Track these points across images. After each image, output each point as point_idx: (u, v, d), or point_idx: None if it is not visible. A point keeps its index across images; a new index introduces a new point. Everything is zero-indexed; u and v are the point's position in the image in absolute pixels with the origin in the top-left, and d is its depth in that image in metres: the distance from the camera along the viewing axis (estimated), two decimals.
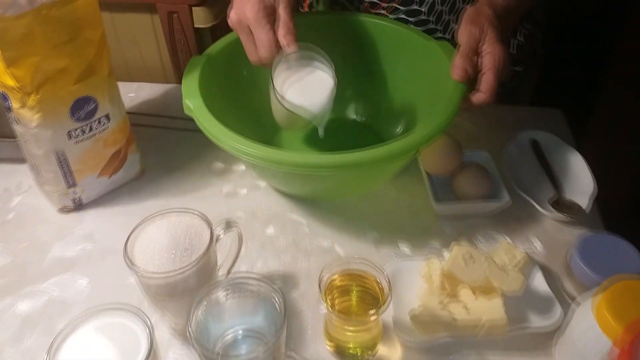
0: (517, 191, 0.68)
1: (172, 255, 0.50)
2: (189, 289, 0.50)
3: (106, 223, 0.69)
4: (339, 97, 0.65)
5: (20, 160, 0.70)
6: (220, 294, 0.48)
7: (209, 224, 0.52)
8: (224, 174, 0.76)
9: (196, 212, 0.53)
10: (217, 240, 0.54)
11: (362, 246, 0.66)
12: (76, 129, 0.62)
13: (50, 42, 0.55)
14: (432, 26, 0.79)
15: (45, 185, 0.67)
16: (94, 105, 0.62)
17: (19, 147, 0.65)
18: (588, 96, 1.25)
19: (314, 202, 0.71)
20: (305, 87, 0.63)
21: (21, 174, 0.74)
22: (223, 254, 0.58)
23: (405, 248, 0.65)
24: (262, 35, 0.59)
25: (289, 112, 0.63)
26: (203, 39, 0.90)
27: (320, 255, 0.65)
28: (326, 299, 0.50)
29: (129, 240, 0.50)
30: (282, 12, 0.60)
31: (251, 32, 0.60)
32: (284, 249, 0.65)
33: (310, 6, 0.96)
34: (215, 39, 0.76)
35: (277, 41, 0.60)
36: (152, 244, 0.50)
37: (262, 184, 0.74)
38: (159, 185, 0.74)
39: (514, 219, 0.68)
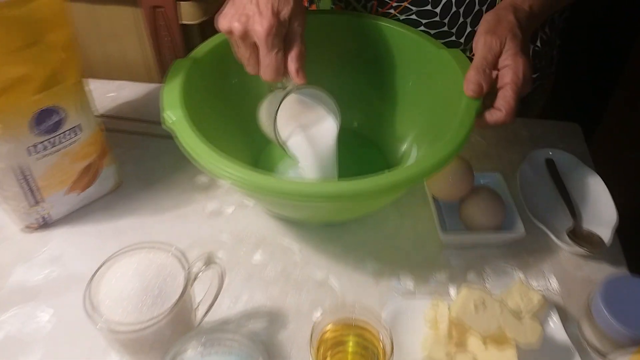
0: (532, 219, 0.62)
1: (142, 302, 0.43)
2: (161, 340, 0.44)
3: (76, 244, 0.62)
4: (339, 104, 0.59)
5: None
6: (195, 351, 0.42)
7: (184, 263, 0.46)
8: (209, 189, 0.69)
9: (171, 248, 0.47)
10: (195, 278, 0.47)
11: (360, 279, 0.59)
12: (39, 143, 0.55)
13: (7, 47, 0.47)
14: (446, 29, 0.72)
15: (7, 202, 0.60)
16: (60, 116, 0.55)
17: None
18: (597, 106, 1.18)
19: (308, 225, 0.64)
20: (310, 138, 0.58)
21: None
22: (203, 288, 0.52)
23: (407, 282, 0.59)
24: (271, 60, 0.52)
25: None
26: (191, 37, 0.82)
27: (312, 288, 0.58)
28: (318, 355, 0.44)
29: (92, 284, 0.44)
30: (298, 39, 0.54)
31: (256, 47, 0.53)
32: (273, 280, 0.59)
33: (311, 1, 0.89)
34: (204, 37, 0.69)
35: (285, 66, 0.53)
36: (118, 288, 0.44)
37: (250, 201, 0.67)
38: (137, 201, 0.67)
39: (528, 251, 0.62)
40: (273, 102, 0.58)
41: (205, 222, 0.65)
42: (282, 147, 0.59)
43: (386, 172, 0.50)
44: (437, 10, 0.71)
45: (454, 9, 0.70)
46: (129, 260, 0.45)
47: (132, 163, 0.72)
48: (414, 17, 0.72)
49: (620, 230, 0.62)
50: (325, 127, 0.59)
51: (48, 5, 0.49)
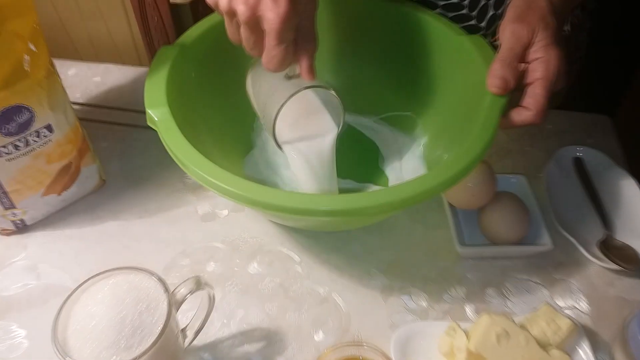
0: (559, 229, 0.56)
1: (120, 335, 0.38)
2: None
3: (54, 250, 0.57)
4: (344, 94, 0.53)
5: None
6: None
7: (166, 289, 0.40)
8: (201, 188, 0.63)
9: (150, 273, 0.41)
10: (180, 305, 0.42)
11: (367, 294, 0.54)
12: (6, 145, 0.49)
13: None
14: (465, 12, 0.65)
15: None
16: (28, 115, 0.48)
17: None
18: (630, 96, 1.10)
19: (309, 232, 0.59)
20: (309, 148, 0.52)
21: None
22: (193, 306, 0.46)
23: (419, 299, 0.54)
24: (280, 52, 0.44)
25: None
26: (181, 17, 0.75)
27: (314, 305, 0.53)
28: None
29: (60, 316, 0.38)
30: (312, 30, 0.47)
31: (263, 34, 0.44)
32: (270, 295, 0.54)
33: None
34: (197, 18, 0.62)
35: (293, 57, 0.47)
36: (92, 320, 0.38)
37: None
38: (122, 202, 0.62)
39: (554, 265, 0.56)
40: (262, 79, 0.52)
41: (197, 226, 0.60)
42: (278, 146, 0.53)
43: (397, 184, 0.44)
44: None
45: None
46: (103, 286, 0.40)
47: (118, 159, 0.66)
48: None
49: None
50: (327, 140, 0.53)
51: None
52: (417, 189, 0.43)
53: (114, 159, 0.66)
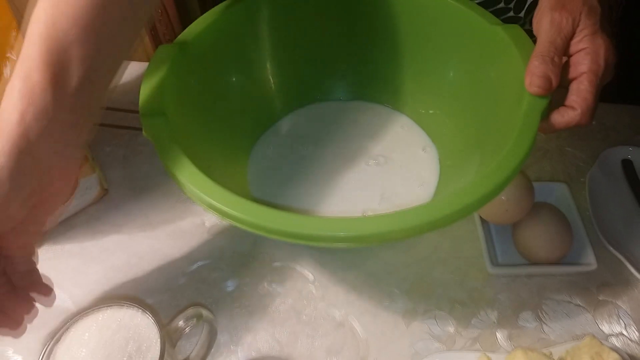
0: (605, 244, 0.52)
1: None
2: None
3: (53, 268, 0.55)
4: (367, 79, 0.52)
5: None
6: None
7: (159, 327, 0.37)
8: None
9: (140, 308, 0.38)
10: (180, 336, 0.39)
11: (387, 318, 0.51)
12: None
13: None
14: (502, 5, 0.60)
15: None
16: None
17: None
18: None
19: (324, 248, 0.56)
20: None
21: None
22: (196, 333, 0.44)
23: (445, 324, 0.50)
24: None
25: None
26: (188, 8, 0.72)
27: (329, 330, 0.50)
28: None
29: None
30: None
31: None
32: (281, 318, 0.51)
33: None
34: (204, 10, 0.58)
35: None
36: None
37: None
38: (125, 213, 0.59)
39: (599, 285, 0.52)
40: None
41: (204, 239, 0.57)
42: None
43: (424, 203, 0.40)
44: None
45: None
46: (90, 325, 0.38)
47: (121, 165, 0.63)
48: None
49: None
50: None
51: None
52: (447, 209, 0.39)
53: (117, 166, 0.64)
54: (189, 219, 0.59)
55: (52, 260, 0.56)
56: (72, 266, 0.56)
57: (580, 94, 0.43)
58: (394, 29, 0.59)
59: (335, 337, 0.50)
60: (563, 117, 0.44)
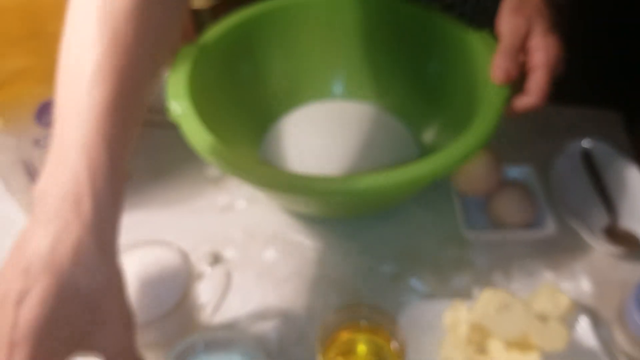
0: (565, 216, 0.61)
1: (141, 302, 0.44)
2: (164, 338, 0.45)
3: None
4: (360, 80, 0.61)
5: None
6: (197, 352, 0.43)
7: (187, 260, 0.47)
8: (220, 182, 0.70)
9: (172, 245, 0.48)
10: (199, 277, 0.48)
11: (377, 278, 0.60)
12: (46, 136, 0.56)
13: (7, 38, 0.49)
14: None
15: (16, 196, 0.63)
16: None
17: None
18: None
19: (323, 220, 0.65)
20: None
21: None
22: (211, 289, 0.53)
23: (428, 282, 0.59)
24: None
25: None
26: (202, 20, 0.83)
27: (326, 288, 0.59)
28: (325, 358, 0.45)
29: None
30: None
31: None
32: (285, 279, 0.60)
33: None
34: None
35: None
36: None
37: (263, 195, 0.68)
38: (147, 195, 0.69)
39: (559, 250, 0.61)
40: None
41: (216, 216, 0.66)
42: None
43: (404, 166, 0.50)
44: None
45: None
46: (128, 258, 0.47)
47: (142, 156, 0.73)
48: None
49: None
50: None
51: None
52: (425, 169, 0.49)
53: (139, 156, 0.73)
54: (202, 199, 0.68)
55: None
56: None
57: (535, 82, 0.54)
58: (389, 37, 0.71)
59: (331, 294, 0.59)
60: (521, 101, 0.55)
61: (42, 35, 0.51)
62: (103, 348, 0.35)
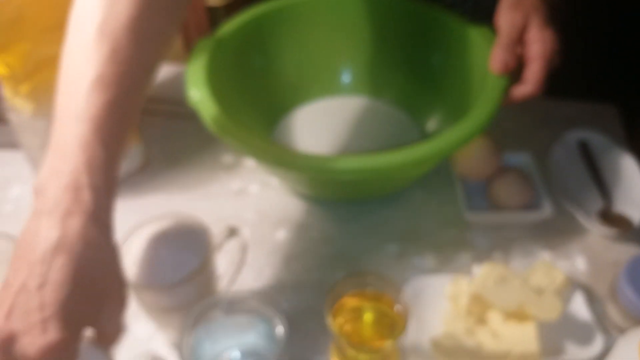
0: (561, 201, 0.65)
1: (167, 267, 0.48)
2: (186, 303, 0.49)
3: None
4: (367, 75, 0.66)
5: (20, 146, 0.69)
6: (216, 313, 0.46)
7: (207, 232, 0.50)
8: (234, 168, 0.74)
9: (194, 218, 0.51)
10: (218, 247, 0.52)
11: (382, 256, 0.63)
12: None
13: (42, 26, 0.53)
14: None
15: None
16: None
17: None
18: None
19: (331, 203, 0.68)
20: None
21: (21, 162, 0.73)
22: (228, 261, 0.57)
23: (430, 261, 0.62)
24: None
25: None
26: (217, 18, 0.87)
27: (334, 265, 0.62)
28: (334, 322, 0.48)
29: (121, 250, 0.49)
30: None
31: None
32: (295, 257, 0.63)
33: None
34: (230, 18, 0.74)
35: None
36: (145, 254, 0.49)
37: (274, 180, 0.72)
38: (163, 180, 0.72)
39: (556, 232, 0.65)
40: None
41: (230, 200, 0.70)
42: None
43: (409, 147, 0.53)
44: None
45: None
46: (155, 228, 0.50)
47: (159, 144, 0.77)
48: None
49: None
50: None
51: None
52: (427, 150, 0.53)
53: (155, 144, 0.77)
54: (216, 184, 0.72)
55: None
56: (118, 221, 0.68)
57: (532, 72, 0.58)
58: (385, 31, 0.75)
59: (340, 269, 0.62)
60: (519, 90, 0.58)
61: None
62: (103, 325, 0.39)
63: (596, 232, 0.63)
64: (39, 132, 0.60)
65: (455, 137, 0.54)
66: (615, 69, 1.02)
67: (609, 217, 0.64)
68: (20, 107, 0.58)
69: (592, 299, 0.58)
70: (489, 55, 0.60)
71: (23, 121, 0.61)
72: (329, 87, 0.79)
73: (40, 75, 0.56)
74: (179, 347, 0.55)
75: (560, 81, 0.80)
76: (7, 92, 0.57)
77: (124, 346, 0.55)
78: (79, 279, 0.37)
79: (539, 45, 0.57)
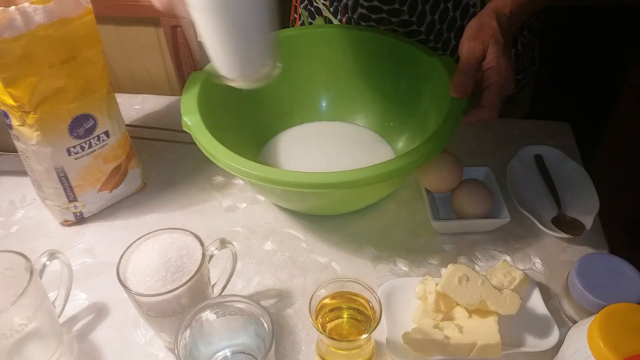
0: (518, 208, 0.68)
1: (164, 276, 0.50)
2: (181, 308, 0.51)
3: (106, 237, 0.70)
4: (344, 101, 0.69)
5: (25, 172, 0.71)
6: (208, 316, 0.49)
7: (201, 243, 0.53)
8: (224, 187, 0.76)
9: (188, 231, 0.54)
10: (210, 258, 0.54)
11: (360, 263, 0.66)
12: (75, 146, 0.63)
13: (48, 62, 0.56)
14: (423, 37, 0.79)
15: (47, 200, 0.69)
16: (92, 122, 0.63)
17: None
18: (599, 108, 1.23)
19: (313, 217, 0.71)
20: None
21: (25, 186, 0.75)
22: (219, 271, 0.59)
23: (402, 266, 0.65)
24: None
25: None
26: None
27: (317, 271, 0.65)
28: (316, 321, 0.51)
29: (122, 261, 0.51)
30: None
31: None
32: (281, 265, 0.66)
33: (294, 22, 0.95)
34: None
35: None
36: (144, 265, 0.51)
37: (262, 197, 0.74)
38: (160, 199, 0.75)
39: (515, 237, 0.68)
40: None
41: (222, 216, 0.73)
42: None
43: (379, 164, 0.57)
44: (413, 18, 0.77)
45: (428, 17, 0.77)
46: (152, 242, 0.53)
47: (156, 167, 0.79)
48: (384, 15, 0.79)
49: (602, 216, 0.67)
50: None
51: (83, 26, 0.57)
52: (394, 166, 0.56)
53: (153, 168, 0.79)
54: (209, 202, 0.74)
55: (105, 232, 0.71)
56: (119, 237, 0.70)
57: (489, 98, 0.61)
58: (358, 60, 0.78)
59: (321, 276, 0.64)
60: (477, 113, 0.62)
61: (76, 60, 0.58)
62: None
63: (551, 235, 0.67)
64: (43, 159, 0.63)
65: (419, 155, 0.57)
66: (567, 91, 1.07)
67: (562, 223, 0.67)
68: (26, 135, 0.60)
69: (548, 295, 0.61)
70: (450, 81, 0.63)
71: (28, 149, 0.63)
72: (309, 113, 0.82)
73: (45, 107, 0.58)
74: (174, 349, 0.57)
75: (519, 104, 0.84)
76: (14, 122, 0.59)
77: (123, 350, 0.58)
78: None
79: (494, 73, 0.61)
